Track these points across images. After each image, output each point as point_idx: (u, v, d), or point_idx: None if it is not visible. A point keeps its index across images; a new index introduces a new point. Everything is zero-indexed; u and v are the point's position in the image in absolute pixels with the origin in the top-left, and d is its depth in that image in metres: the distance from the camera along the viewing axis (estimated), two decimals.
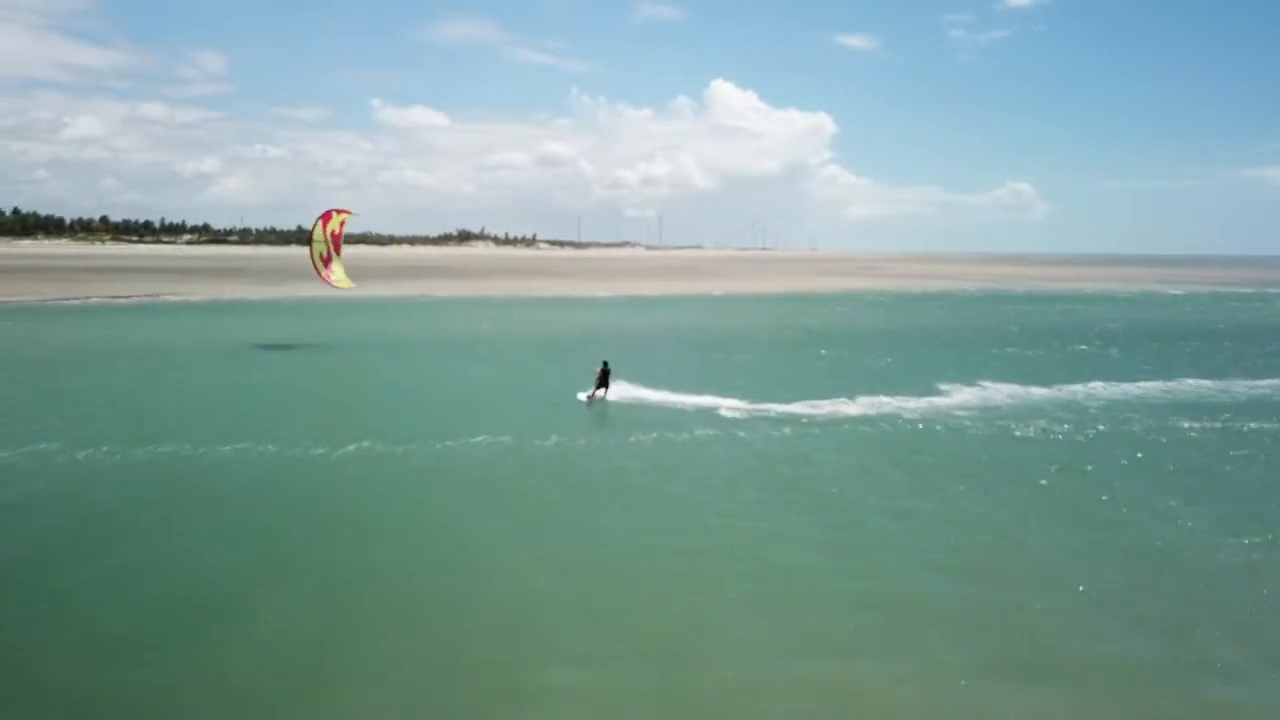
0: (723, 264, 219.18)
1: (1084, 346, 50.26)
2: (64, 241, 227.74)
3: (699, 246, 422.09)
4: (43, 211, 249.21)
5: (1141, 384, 35.44)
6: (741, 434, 25.37)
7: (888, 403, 29.98)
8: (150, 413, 27.47)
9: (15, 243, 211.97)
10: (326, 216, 43.42)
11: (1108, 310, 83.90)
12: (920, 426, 26.81)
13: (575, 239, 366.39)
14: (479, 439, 24.03)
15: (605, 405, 29.20)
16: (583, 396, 30.17)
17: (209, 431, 24.35)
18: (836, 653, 12.44)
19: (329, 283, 43.43)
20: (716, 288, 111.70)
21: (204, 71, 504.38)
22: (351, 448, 22.70)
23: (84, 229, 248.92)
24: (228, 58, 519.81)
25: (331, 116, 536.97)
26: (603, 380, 30.11)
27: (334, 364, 39.65)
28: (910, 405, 29.75)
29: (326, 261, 42.75)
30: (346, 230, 43.89)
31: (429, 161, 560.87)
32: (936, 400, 30.96)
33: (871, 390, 31.86)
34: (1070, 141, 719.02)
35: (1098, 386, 34.40)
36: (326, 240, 42.57)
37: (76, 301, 70.71)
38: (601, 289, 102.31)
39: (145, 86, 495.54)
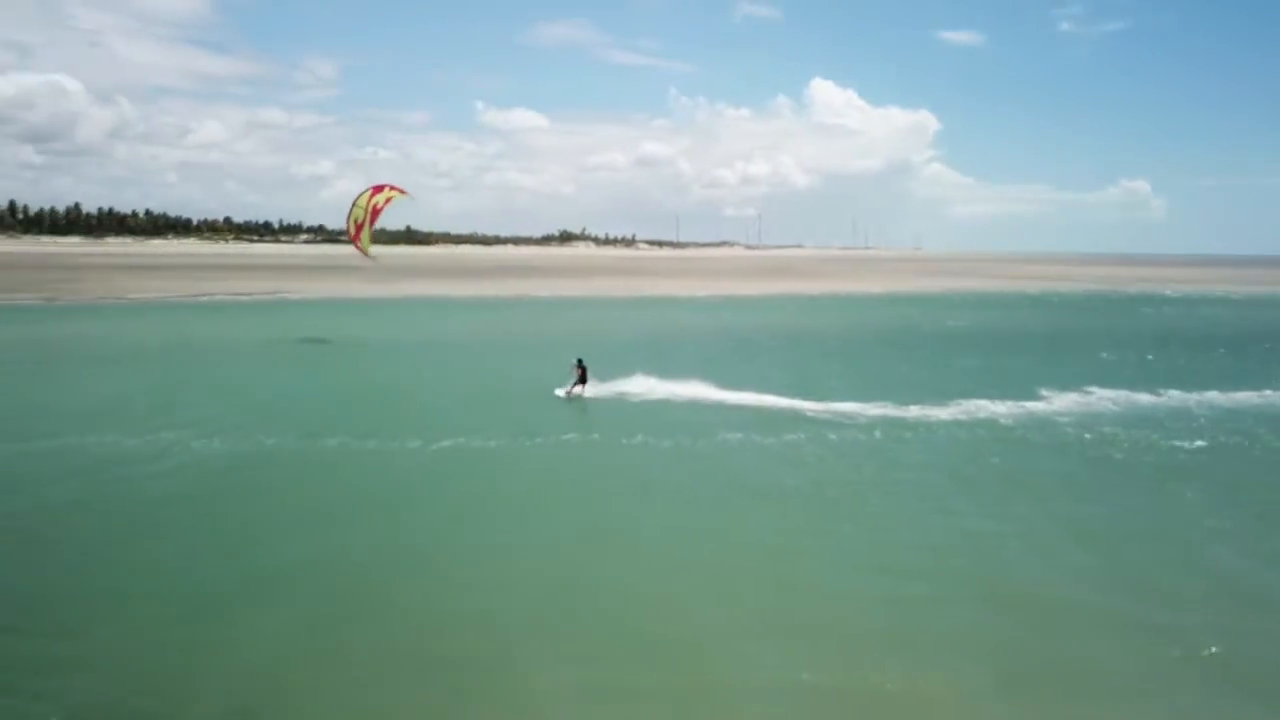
0: (823, 264, 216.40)
1: (1199, 351, 47.95)
2: (191, 241, 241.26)
3: (799, 246, 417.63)
4: (172, 213, 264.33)
5: (1263, 393, 33.68)
6: (832, 436, 25.30)
7: (982, 407, 29.36)
8: (264, 406, 29.09)
9: (147, 242, 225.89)
10: (377, 189, 44.71)
11: (1227, 313, 79.68)
12: (1014, 434, 26.14)
13: (674, 239, 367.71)
14: (568, 436, 24.74)
15: (687, 405, 29.50)
16: (560, 392, 31.14)
17: (314, 424, 25.69)
18: (873, 700, 11.56)
19: (356, 246, 44.77)
20: (816, 287, 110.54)
21: (318, 77, 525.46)
22: (448, 443, 23.61)
23: (209, 229, 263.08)
24: (339, 64, 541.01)
25: (437, 119, 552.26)
26: (581, 377, 31.12)
27: (439, 361, 40.93)
28: (1006, 410, 29.05)
29: (359, 228, 44.08)
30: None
31: (531, 163, 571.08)
32: (1034, 405, 30.12)
33: (966, 393, 31.24)
34: (1189, 137, 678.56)
35: (1213, 395, 32.86)
36: (366, 209, 43.93)
37: (204, 299, 74.87)
38: (700, 288, 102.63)
39: (264, 92, 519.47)
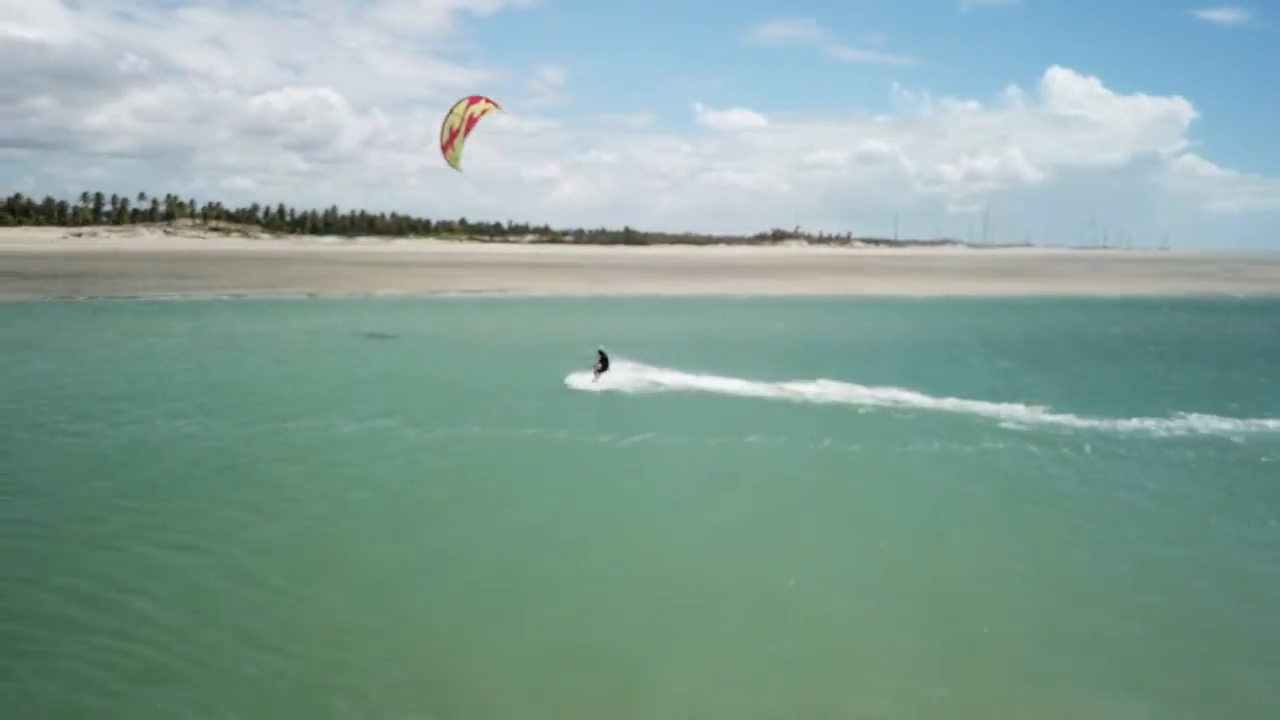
0: (1052, 263, 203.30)
1: None
2: (430, 240, 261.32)
3: (1026, 245, 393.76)
4: (414, 214, 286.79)
5: None
6: (1032, 449, 24.23)
7: (1208, 423, 27.04)
8: (476, 398, 30.99)
9: (392, 241, 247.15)
10: (474, 100, 43.94)
11: None
12: (1244, 455, 24.04)
13: (891, 237, 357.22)
14: (750, 438, 25.07)
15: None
16: (586, 381, 32.96)
17: (519, 418, 27.59)
18: None
19: (445, 156, 43.90)
20: (1042, 288, 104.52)
21: (547, 84, 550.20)
22: (638, 438, 24.82)
23: (446, 229, 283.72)
24: (567, 71, 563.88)
25: (657, 122, 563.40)
26: (603, 365, 33.71)
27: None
28: (1234, 428, 26.55)
29: (454, 135, 43.26)
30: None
31: (747, 162, 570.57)
32: (1274, 423, 27.48)
33: (1193, 407, 28.72)
34: None
35: None
36: (463, 118, 43.06)
37: (438, 295, 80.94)
38: (917, 288, 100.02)
39: (499, 100, 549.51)
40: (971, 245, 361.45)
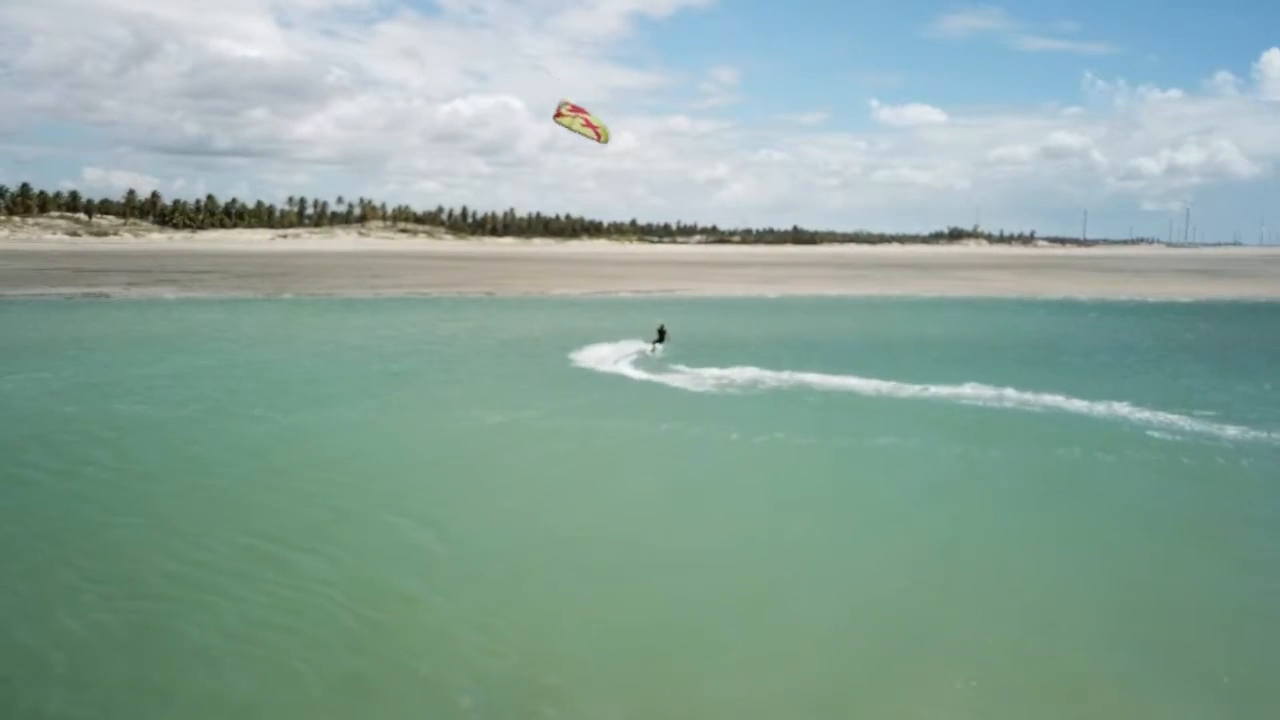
0: (1265, 264, 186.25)
1: None
2: (601, 241, 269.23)
3: (1235, 244, 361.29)
4: (588, 216, 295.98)
5: None
6: (1184, 460, 23.24)
7: None
8: (630, 393, 32.61)
9: (565, 242, 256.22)
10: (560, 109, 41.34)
11: None
12: None
13: (1079, 236, 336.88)
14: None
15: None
16: (646, 348, 38.62)
17: (667, 413, 29.00)
18: None
19: (597, 137, 40.60)
20: (1246, 291, 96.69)
21: (720, 85, 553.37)
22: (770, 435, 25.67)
23: (616, 230, 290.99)
24: (740, 71, 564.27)
25: (830, 119, 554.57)
26: (660, 337, 39.13)
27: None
28: None
29: (587, 124, 40.00)
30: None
31: (924, 159, 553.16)
32: None
33: None
34: None
35: None
36: (567, 114, 40.22)
37: (606, 296, 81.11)
38: (1105, 290, 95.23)
39: (672, 102, 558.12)
40: (1170, 245, 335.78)
